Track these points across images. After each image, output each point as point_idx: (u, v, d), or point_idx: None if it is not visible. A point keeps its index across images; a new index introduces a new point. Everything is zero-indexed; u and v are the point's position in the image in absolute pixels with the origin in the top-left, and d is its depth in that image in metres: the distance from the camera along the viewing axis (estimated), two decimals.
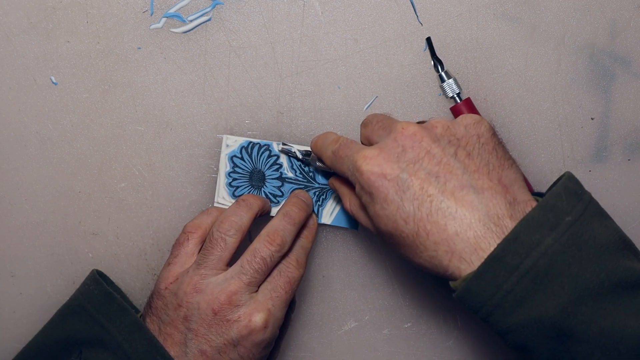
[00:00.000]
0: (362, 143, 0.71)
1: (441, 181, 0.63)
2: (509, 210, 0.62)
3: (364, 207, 0.68)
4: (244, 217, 0.72)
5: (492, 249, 0.61)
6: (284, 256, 0.72)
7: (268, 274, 0.71)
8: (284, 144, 0.77)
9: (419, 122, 0.68)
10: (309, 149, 0.76)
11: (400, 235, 0.64)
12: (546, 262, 0.60)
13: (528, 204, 0.63)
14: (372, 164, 0.64)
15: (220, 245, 0.70)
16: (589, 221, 0.62)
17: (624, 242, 0.63)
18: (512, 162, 0.66)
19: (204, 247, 0.71)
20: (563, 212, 0.62)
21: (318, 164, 0.75)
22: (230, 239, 0.71)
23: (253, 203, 0.73)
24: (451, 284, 0.63)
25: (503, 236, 0.61)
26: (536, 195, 0.66)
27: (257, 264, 0.70)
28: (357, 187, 0.66)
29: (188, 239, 0.73)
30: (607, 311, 0.60)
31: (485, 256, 0.61)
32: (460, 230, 0.62)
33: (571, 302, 0.60)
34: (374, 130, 0.69)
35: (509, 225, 0.62)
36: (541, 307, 0.60)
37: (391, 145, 0.65)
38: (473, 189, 0.63)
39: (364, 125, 0.71)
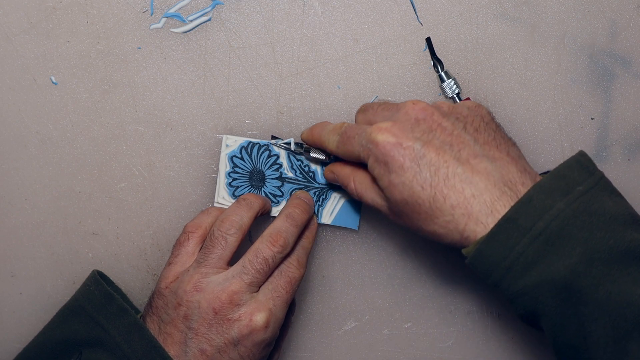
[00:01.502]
0: None
1: (455, 149, 0.66)
2: (521, 178, 0.65)
3: (373, 183, 0.69)
4: (244, 217, 0.72)
5: (507, 211, 0.63)
6: (285, 257, 0.72)
7: (269, 274, 0.71)
8: (273, 137, 0.77)
9: None
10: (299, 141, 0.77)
11: (416, 201, 0.65)
12: (558, 225, 0.62)
13: (538, 176, 0.66)
14: (387, 135, 0.66)
15: (221, 244, 0.70)
16: (600, 194, 0.64)
17: (634, 218, 0.64)
18: (514, 143, 0.69)
19: (204, 246, 0.71)
20: (574, 182, 0.64)
21: (312, 154, 0.75)
22: (230, 238, 0.71)
23: (254, 202, 0.73)
24: (463, 251, 0.65)
25: (517, 200, 0.63)
26: (543, 174, 0.68)
27: (259, 264, 0.70)
28: (371, 160, 0.67)
29: (189, 238, 0.73)
30: (615, 277, 0.61)
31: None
32: (476, 193, 0.64)
33: (582, 262, 0.61)
34: (377, 112, 0.71)
35: (522, 191, 0.64)
36: (552, 268, 0.62)
37: (404, 118, 0.67)
38: (486, 158, 0.65)
39: (363, 111, 0.72)
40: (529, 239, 0.62)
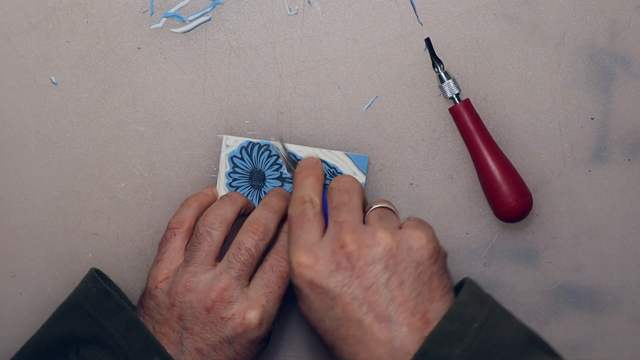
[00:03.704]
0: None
1: (364, 309, 0.63)
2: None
3: None
4: (228, 210, 0.72)
5: None
6: (271, 246, 0.72)
7: (256, 265, 0.71)
8: (281, 140, 0.76)
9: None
10: (301, 156, 0.76)
11: (320, 337, 0.66)
12: None
13: None
14: (304, 272, 0.64)
15: (207, 240, 0.70)
16: (496, 323, 0.63)
17: (530, 338, 0.63)
18: (446, 292, 0.65)
19: (190, 243, 0.71)
20: (470, 319, 0.62)
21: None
22: (215, 232, 0.70)
23: (237, 197, 0.74)
24: None
25: None
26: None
27: (242, 256, 0.70)
28: (290, 277, 0.67)
29: (175, 234, 0.72)
30: None
31: None
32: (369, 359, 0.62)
33: None
34: (333, 206, 0.67)
35: None
36: None
37: (328, 258, 0.64)
38: (392, 323, 0.62)
39: (331, 188, 0.69)
40: None
